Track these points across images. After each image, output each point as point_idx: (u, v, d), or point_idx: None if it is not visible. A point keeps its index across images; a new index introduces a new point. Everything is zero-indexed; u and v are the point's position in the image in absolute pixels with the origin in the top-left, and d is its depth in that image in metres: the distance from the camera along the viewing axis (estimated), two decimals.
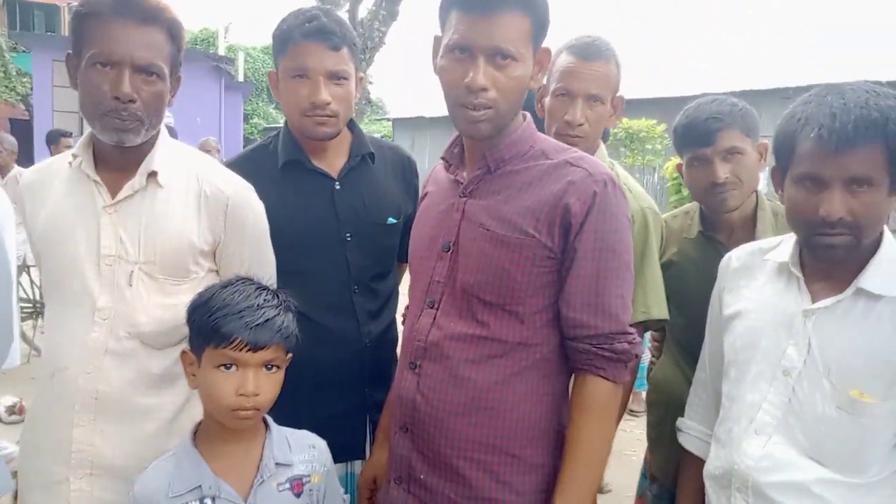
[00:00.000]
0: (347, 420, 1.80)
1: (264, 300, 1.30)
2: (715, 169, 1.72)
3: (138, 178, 1.46)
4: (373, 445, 1.73)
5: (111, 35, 1.36)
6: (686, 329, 1.77)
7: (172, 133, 1.57)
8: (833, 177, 1.21)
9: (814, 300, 1.31)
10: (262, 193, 1.61)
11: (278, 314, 1.30)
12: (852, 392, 1.23)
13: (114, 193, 1.46)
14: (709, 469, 1.44)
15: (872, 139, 1.18)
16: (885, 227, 1.31)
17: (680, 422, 1.63)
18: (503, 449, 1.35)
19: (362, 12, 11.58)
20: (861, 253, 1.26)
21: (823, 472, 1.26)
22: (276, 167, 1.77)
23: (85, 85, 1.39)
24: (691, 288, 1.74)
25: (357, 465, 1.81)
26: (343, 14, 11.54)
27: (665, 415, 1.66)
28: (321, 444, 1.45)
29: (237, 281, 1.35)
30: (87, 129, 1.47)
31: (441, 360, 1.38)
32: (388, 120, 19.24)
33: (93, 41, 1.37)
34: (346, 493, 1.53)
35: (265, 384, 1.29)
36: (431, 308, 1.42)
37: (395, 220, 1.82)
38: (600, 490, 3.77)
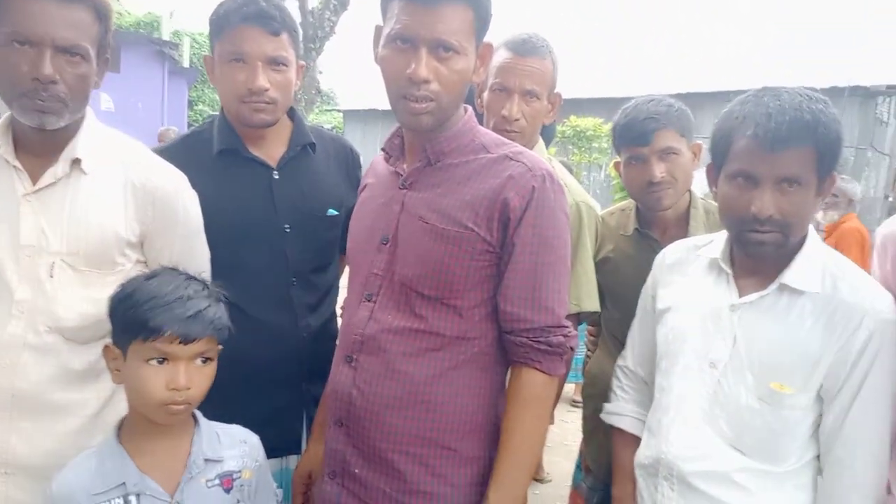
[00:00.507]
0: (284, 415, 1.77)
1: (194, 291, 1.26)
2: (651, 168, 1.76)
3: (61, 165, 1.39)
4: (309, 440, 1.70)
5: (30, 12, 1.29)
6: (621, 323, 1.81)
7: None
8: (765, 175, 1.25)
9: (742, 295, 1.35)
10: (196, 183, 1.56)
11: (209, 305, 1.26)
12: (773, 384, 1.28)
13: (35, 180, 1.39)
14: (639, 458, 1.48)
15: (804, 141, 1.22)
16: (811, 226, 1.36)
17: (609, 405, 1.66)
18: (439, 442, 1.35)
19: (313, 1, 11.41)
20: (787, 250, 1.30)
21: (745, 461, 1.31)
22: (211, 155, 1.72)
23: (1, 64, 1.31)
24: (627, 283, 1.77)
25: (292, 461, 1.78)
26: (293, 2, 11.35)
27: (600, 407, 1.69)
28: (253, 439, 1.42)
29: (163, 271, 1.31)
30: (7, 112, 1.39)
31: (377, 354, 1.37)
32: (339, 111, 19.02)
33: (10, 18, 1.29)
34: (279, 487, 1.50)
35: (197, 377, 1.26)
36: (369, 301, 1.41)
37: (335, 212, 1.79)
38: (541, 479, 3.83)
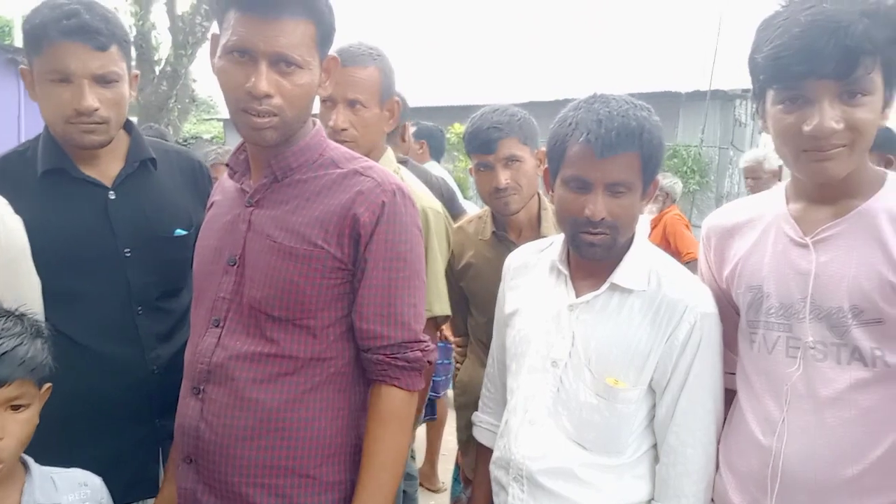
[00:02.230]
0: (137, 454, 1.64)
1: (2, 328, 1.13)
2: (497, 175, 1.82)
3: None
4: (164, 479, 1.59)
5: None
6: (487, 327, 1.84)
7: None
8: (597, 180, 1.29)
9: (578, 296, 1.39)
10: (19, 207, 1.41)
11: (21, 343, 1.14)
12: (608, 380, 1.33)
13: None
14: (493, 460, 1.50)
15: (631, 147, 1.28)
16: (637, 228, 1.42)
17: (474, 416, 1.68)
18: (296, 470, 1.30)
19: (183, 5, 10.90)
20: (618, 251, 1.36)
21: (586, 455, 1.35)
22: (35, 176, 1.56)
23: None
24: (488, 287, 1.80)
25: None
26: (161, 7, 10.80)
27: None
28: (95, 480, 1.33)
29: None
30: None
31: (226, 383, 1.29)
32: (219, 120, 18.28)
33: None
34: None
35: (10, 426, 1.13)
36: (216, 327, 1.33)
37: (184, 232, 1.68)
38: (436, 490, 3.81)
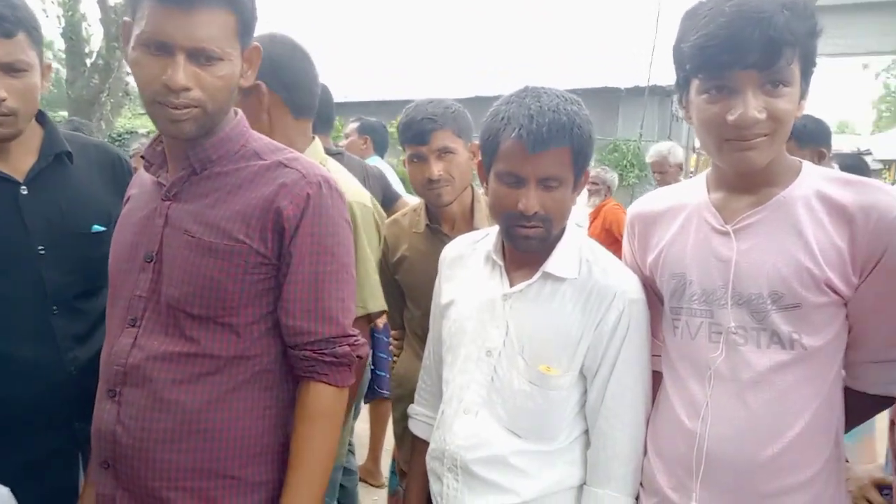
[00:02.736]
0: (55, 460, 1.57)
1: None
2: (430, 166, 1.81)
3: None
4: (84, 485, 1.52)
5: None
6: (422, 320, 1.83)
7: None
8: (530, 174, 1.30)
9: (513, 285, 1.40)
10: None
11: None
12: (541, 367, 1.34)
13: None
14: (428, 452, 1.49)
15: (562, 142, 1.28)
16: (571, 218, 1.43)
17: (410, 408, 1.67)
18: (220, 472, 1.26)
19: None
20: (551, 242, 1.37)
21: (520, 443, 1.36)
22: None
23: None
24: (423, 280, 1.79)
25: None
26: None
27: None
28: (2, 491, 1.26)
29: None
30: None
31: (144, 385, 1.24)
32: None
33: None
34: None
35: None
36: (133, 327, 1.28)
37: (102, 228, 1.61)
38: (380, 485, 3.79)
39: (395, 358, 2.09)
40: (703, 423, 1.22)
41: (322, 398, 1.29)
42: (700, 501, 1.22)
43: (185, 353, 1.24)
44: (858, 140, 18.92)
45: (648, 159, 4.81)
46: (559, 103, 1.30)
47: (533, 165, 1.28)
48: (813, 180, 1.21)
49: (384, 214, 1.92)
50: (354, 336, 1.33)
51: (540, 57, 12.92)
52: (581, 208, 6.35)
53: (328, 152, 2.50)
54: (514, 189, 1.31)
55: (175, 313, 1.25)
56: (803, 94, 1.19)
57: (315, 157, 1.68)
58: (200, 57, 1.18)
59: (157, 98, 1.19)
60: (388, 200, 2.84)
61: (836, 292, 1.16)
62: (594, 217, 5.43)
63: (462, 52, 14.20)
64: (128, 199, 1.43)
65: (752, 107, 1.12)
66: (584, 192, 6.23)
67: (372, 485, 3.72)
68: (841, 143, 18.23)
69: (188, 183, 1.29)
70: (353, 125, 4.09)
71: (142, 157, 1.37)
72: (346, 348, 1.30)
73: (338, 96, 3.05)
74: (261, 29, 1.35)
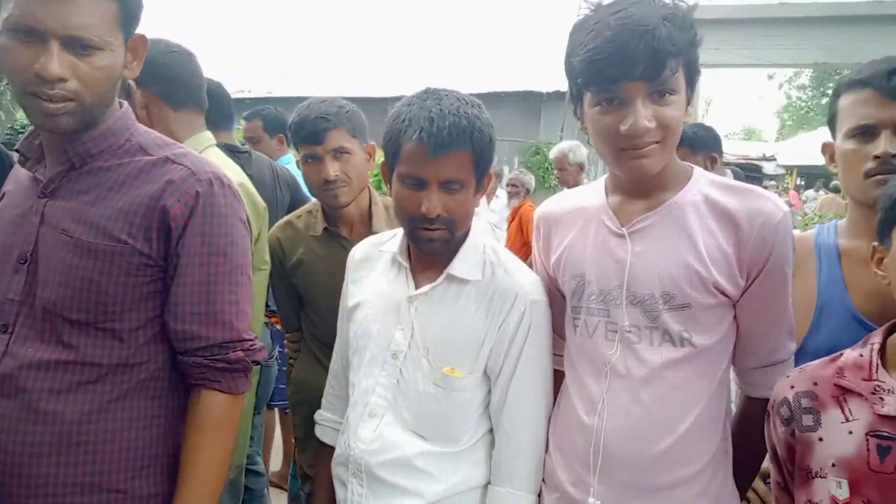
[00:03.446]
0: None
1: None
2: (325, 167, 1.78)
3: None
4: None
5: None
6: (321, 324, 1.81)
7: None
8: (432, 177, 1.29)
9: (418, 287, 1.40)
10: None
11: None
12: (445, 369, 1.34)
13: None
14: (334, 457, 1.48)
15: (463, 145, 1.28)
16: (473, 220, 1.44)
17: (317, 414, 1.64)
18: (104, 486, 1.20)
19: None
20: (454, 244, 1.38)
21: (425, 445, 1.35)
22: None
23: None
24: (321, 284, 1.77)
25: None
26: None
27: (310, 413, 1.65)
28: None
29: None
30: None
31: (16, 395, 1.16)
32: None
33: None
34: None
35: None
36: (4, 333, 1.19)
37: None
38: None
39: (291, 361, 2.03)
40: (600, 418, 1.25)
41: (214, 406, 1.25)
42: (597, 496, 1.24)
43: (63, 360, 1.17)
44: (764, 147, 20.04)
45: (551, 156, 4.90)
46: (459, 106, 1.30)
47: (434, 168, 1.28)
48: (701, 186, 1.26)
49: (260, 202, 1.86)
50: (250, 341, 1.29)
51: (461, 60, 13.02)
52: (501, 210, 6.46)
53: (234, 150, 2.42)
54: (417, 191, 1.31)
55: (51, 318, 1.17)
56: (689, 101, 1.23)
57: (195, 146, 1.63)
58: (76, 45, 1.11)
59: (28, 88, 1.12)
60: (295, 204, 2.74)
61: (724, 294, 1.21)
62: (512, 218, 5.56)
63: (382, 54, 14.14)
64: (2, 195, 1.33)
65: (642, 116, 1.15)
66: (504, 195, 6.34)
67: (286, 490, 3.65)
68: (748, 150, 19.28)
69: (66, 179, 1.22)
70: (255, 124, 3.66)
71: (16, 150, 1.27)
72: (241, 354, 1.26)
73: (240, 92, 2.95)
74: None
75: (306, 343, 1.97)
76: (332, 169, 1.77)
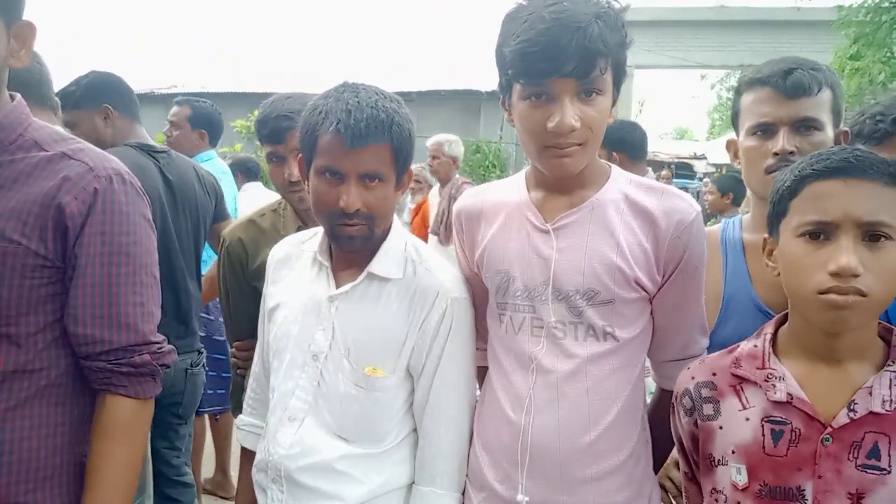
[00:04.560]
0: None
1: None
2: (289, 167, 1.72)
3: None
4: None
5: None
6: None
7: None
8: (350, 170, 1.27)
9: (339, 286, 1.37)
10: None
11: None
12: (367, 369, 1.32)
13: None
14: (254, 463, 1.44)
15: (381, 138, 1.26)
16: (395, 217, 1.42)
17: (238, 419, 1.59)
18: (3, 499, 1.14)
19: None
20: (375, 242, 1.35)
21: (347, 447, 1.33)
22: None
23: None
24: None
25: None
26: None
27: None
28: None
29: None
30: None
31: None
32: None
33: None
34: None
35: None
36: None
37: None
38: (230, 497, 3.63)
39: (239, 371, 1.91)
40: (527, 414, 1.25)
41: (121, 412, 1.20)
42: (526, 492, 1.25)
43: None
44: (696, 146, 20.71)
45: (428, 143, 4.80)
46: (378, 100, 1.28)
47: (352, 161, 1.26)
48: (620, 185, 1.28)
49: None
50: (157, 343, 1.24)
51: (402, 58, 12.99)
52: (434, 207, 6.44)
53: (150, 150, 2.31)
54: (335, 186, 1.28)
55: None
56: (614, 102, 1.24)
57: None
58: None
59: None
60: (218, 217, 2.56)
61: (643, 289, 1.24)
62: (415, 214, 5.54)
63: (322, 52, 13.95)
64: None
65: (569, 114, 1.15)
66: (436, 191, 6.34)
67: (223, 497, 3.57)
68: (680, 149, 19.90)
69: None
70: (183, 111, 3.44)
71: None
72: (147, 357, 1.21)
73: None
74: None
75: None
76: (296, 170, 1.69)
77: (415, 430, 1.39)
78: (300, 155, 1.38)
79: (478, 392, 1.43)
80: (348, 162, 1.26)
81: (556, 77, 1.14)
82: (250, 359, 1.83)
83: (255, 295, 1.78)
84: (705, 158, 17.43)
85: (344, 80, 1.35)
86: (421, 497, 1.34)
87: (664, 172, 12.96)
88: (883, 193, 1.00)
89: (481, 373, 1.42)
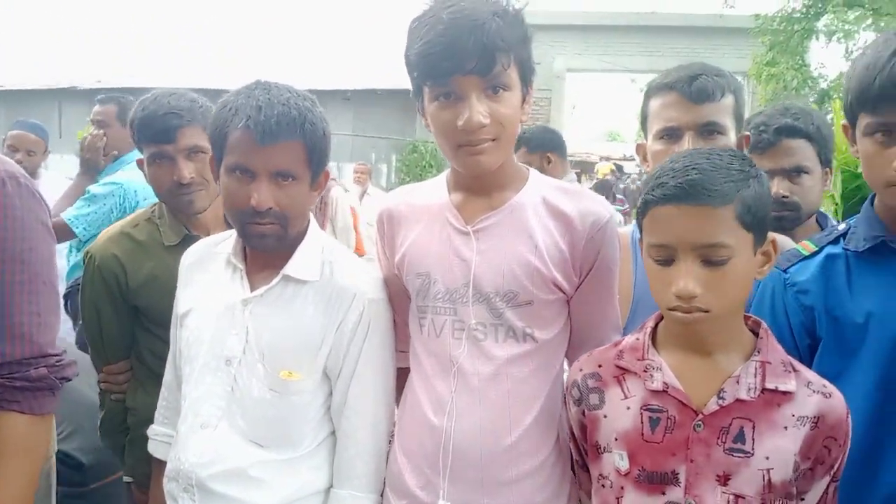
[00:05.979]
0: None
1: None
2: (179, 168, 1.65)
3: None
4: None
5: None
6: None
7: None
8: (260, 167, 1.25)
9: (254, 289, 1.35)
10: None
11: None
12: (282, 373, 1.31)
13: None
14: (165, 473, 1.40)
15: (293, 135, 1.25)
16: (312, 218, 1.41)
17: (150, 429, 1.55)
18: None
19: None
20: (290, 242, 1.34)
21: (262, 453, 1.31)
22: None
23: None
24: None
25: None
26: None
27: None
28: None
29: None
30: None
31: None
32: None
33: None
34: None
35: None
36: None
37: None
38: None
39: (114, 396, 1.74)
40: (449, 418, 1.25)
41: (14, 429, 1.15)
42: (447, 497, 1.24)
43: None
44: (626, 147, 21.23)
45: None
46: (290, 98, 1.27)
47: (263, 158, 1.25)
48: (538, 187, 1.30)
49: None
50: (55, 356, 1.19)
51: (336, 57, 12.85)
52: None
53: None
54: (246, 183, 1.26)
55: None
56: (525, 99, 1.26)
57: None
58: None
59: None
60: None
61: (561, 290, 1.26)
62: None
63: (244, 49, 13.63)
64: None
65: (477, 111, 1.17)
66: (355, 190, 6.38)
67: None
68: (611, 150, 20.40)
69: None
70: (109, 108, 3.20)
71: None
72: (44, 370, 1.16)
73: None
74: None
75: (145, 367, 1.72)
76: (187, 170, 1.63)
77: (333, 433, 1.38)
78: (211, 154, 1.35)
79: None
80: (259, 159, 1.25)
81: (459, 75, 1.16)
82: (126, 381, 1.74)
83: (132, 314, 1.69)
84: (634, 160, 17.92)
85: (256, 79, 1.33)
86: (339, 500, 1.33)
87: (610, 167, 13.54)
88: (714, 215, 1.04)
89: (404, 375, 1.41)
